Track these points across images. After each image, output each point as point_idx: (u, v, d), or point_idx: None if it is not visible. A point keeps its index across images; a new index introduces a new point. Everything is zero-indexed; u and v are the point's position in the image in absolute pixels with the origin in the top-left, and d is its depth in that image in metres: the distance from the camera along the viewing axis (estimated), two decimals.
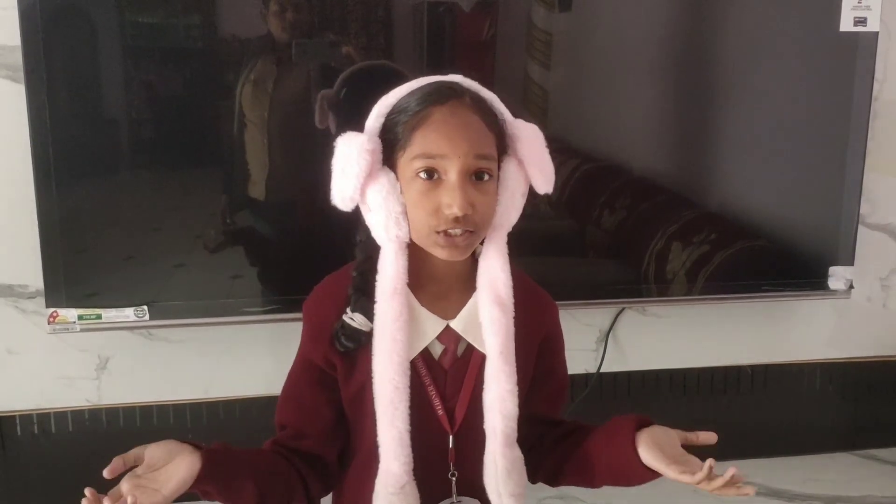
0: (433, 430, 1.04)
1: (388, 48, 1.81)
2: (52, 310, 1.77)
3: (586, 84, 1.94)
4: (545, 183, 1.02)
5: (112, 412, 2.01)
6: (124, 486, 0.92)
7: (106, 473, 0.93)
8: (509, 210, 1.01)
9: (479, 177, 0.97)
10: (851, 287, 2.08)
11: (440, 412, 1.05)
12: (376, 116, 1.00)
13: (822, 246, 2.06)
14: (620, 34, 1.91)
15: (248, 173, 1.82)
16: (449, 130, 0.95)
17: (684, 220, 2.01)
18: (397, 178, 0.97)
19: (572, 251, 2.04)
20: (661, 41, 1.95)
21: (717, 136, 2.00)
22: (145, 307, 1.80)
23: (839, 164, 2.02)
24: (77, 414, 1.99)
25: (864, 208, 2.12)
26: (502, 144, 1.01)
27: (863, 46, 1.96)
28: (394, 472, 1.00)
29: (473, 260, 1.05)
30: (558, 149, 1.91)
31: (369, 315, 1.01)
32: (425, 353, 1.04)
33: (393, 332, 0.99)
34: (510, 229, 1.04)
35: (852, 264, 2.07)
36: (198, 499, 1.01)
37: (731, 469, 0.92)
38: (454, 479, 1.06)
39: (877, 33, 1.96)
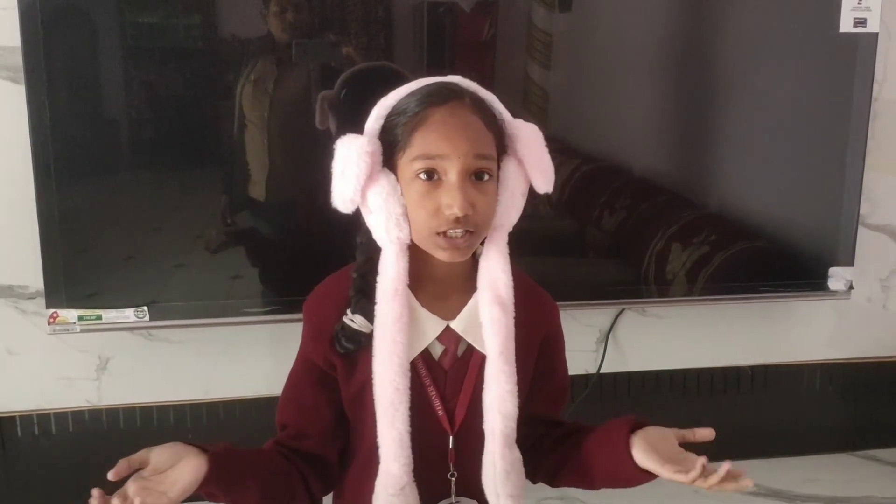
0: (433, 431, 1.04)
1: (388, 48, 1.81)
2: (52, 310, 1.77)
3: (586, 84, 1.94)
4: (545, 182, 1.02)
5: (112, 413, 2.01)
6: (131, 487, 0.92)
7: (111, 476, 0.93)
8: (509, 210, 1.01)
9: (479, 177, 0.97)
10: (851, 288, 2.08)
11: (440, 413, 1.05)
12: (376, 118, 1.01)
13: (822, 246, 2.06)
14: (620, 34, 1.92)
15: (248, 173, 1.82)
16: (448, 131, 0.95)
17: (684, 220, 2.01)
18: (397, 180, 0.98)
19: (572, 251, 2.04)
20: (661, 41, 1.95)
21: (717, 136, 2.00)
22: (145, 308, 1.80)
23: (839, 164, 2.02)
24: (77, 414, 1.99)
25: (864, 209, 2.12)
26: (502, 145, 1.01)
27: (863, 47, 1.96)
28: (394, 473, 1.00)
29: (474, 260, 1.05)
30: (558, 149, 1.91)
31: (369, 317, 1.01)
32: (425, 354, 1.04)
33: (393, 333, 0.99)
34: (511, 229, 1.04)
35: (852, 265, 2.07)
36: (201, 499, 1.00)
37: (725, 464, 0.92)
38: (453, 479, 1.07)
39: (877, 34, 1.96)
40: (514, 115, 1.05)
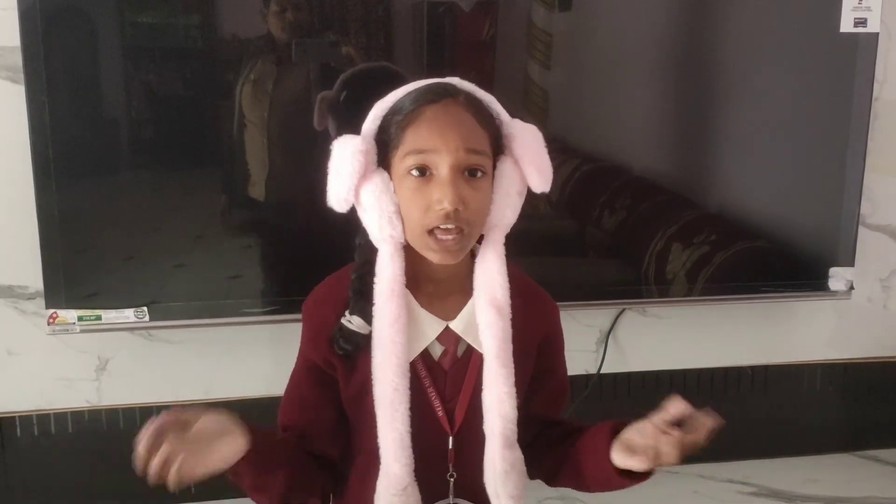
0: (433, 431, 1.04)
1: (388, 48, 1.81)
2: (51, 311, 1.77)
3: (586, 84, 1.94)
4: (542, 182, 1.02)
5: (112, 413, 2.00)
6: (169, 445, 0.89)
7: (162, 418, 0.90)
8: (504, 209, 1.01)
9: (472, 174, 0.97)
10: (852, 288, 2.08)
11: (440, 413, 1.05)
12: (372, 119, 1.01)
13: (822, 247, 2.06)
14: (620, 34, 1.91)
15: (248, 173, 1.82)
16: (440, 126, 0.96)
17: (684, 220, 2.01)
18: (391, 179, 0.98)
19: (572, 251, 2.04)
20: (661, 41, 1.95)
21: (718, 136, 2.00)
22: (145, 308, 1.80)
23: (839, 164, 2.02)
24: (77, 415, 1.99)
25: (865, 209, 2.12)
26: (498, 145, 1.01)
27: (863, 47, 1.96)
28: (395, 474, 1.00)
29: (473, 260, 1.05)
30: (558, 149, 1.91)
31: (368, 318, 1.01)
32: (425, 354, 1.04)
33: (392, 334, 0.99)
34: (508, 230, 1.03)
35: (853, 265, 2.07)
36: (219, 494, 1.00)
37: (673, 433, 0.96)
38: (452, 480, 1.06)
39: (877, 34, 1.96)
40: (514, 115, 1.05)
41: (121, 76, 1.75)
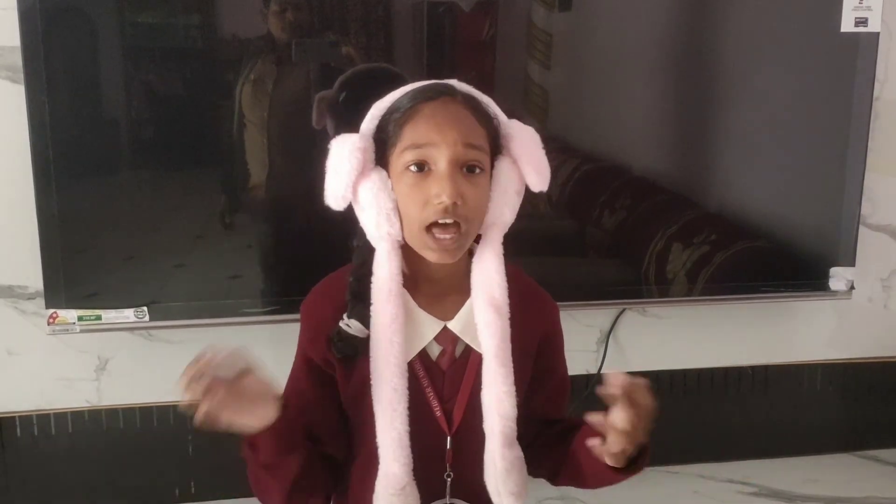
0: (431, 432, 1.04)
1: (388, 48, 1.81)
2: (51, 311, 1.77)
3: (586, 84, 1.94)
4: (540, 180, 1.02)
5: (112, 413, 2.00)
6: (211, 390, 0.89)
7: (211, 354, 0.91)
8: (503, 207, 1.01)
9: (471, 170, 0.97)
10: (852, 288, 2.08)
11: (438, 413, 1.05)
12: (370, 119, 1.02)
13: (822, 246, 2.06)
14: (621, 34, 1.91)
15: (248, 173, 1.82)
16: (438, 121, 0.96)
17: (685, 220, 2.01)
18: (389, 177, 0.98)
19: (572, 251, 2.04)
20: (661, 41, 1.95)
21: (718, 136, 2.00)
22: (145, 308, 1.79)
23: (840, 164, 2.02)
24: (77, 415, 1.99)
25: (865, 209, 2.12)
26: (496, 145, 1.02)
27: (864, 47, 1.96)
28: (394, 474, 1.01)
29: (470, 260, 1.05)
30: (558, 149, 1.91)
31: (366, 322, 1.01)
32: (423, 355, 1.04)
33: (389, 334, 0.99)
34: (506, 230, 1.04)
35: (853, 265, 2.06)
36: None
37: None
38: (449, 480, 1.07)
39: (878, 34, 1.96)
40: (514, 115, 1.05)
41: (121, 76, 1.75)
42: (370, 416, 1.01)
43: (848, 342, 2.31)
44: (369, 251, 1.02)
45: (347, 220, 1.04)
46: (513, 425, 1.03)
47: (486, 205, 1.00)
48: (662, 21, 1.93)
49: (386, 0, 1.79)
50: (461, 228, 0.96)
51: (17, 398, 1.95)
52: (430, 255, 0.98)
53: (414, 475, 1.02)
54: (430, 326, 1.03)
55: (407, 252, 1.02)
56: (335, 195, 0.99)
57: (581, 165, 1.94)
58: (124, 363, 1.96)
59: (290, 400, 1.02)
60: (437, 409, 1.05)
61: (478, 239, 1.04)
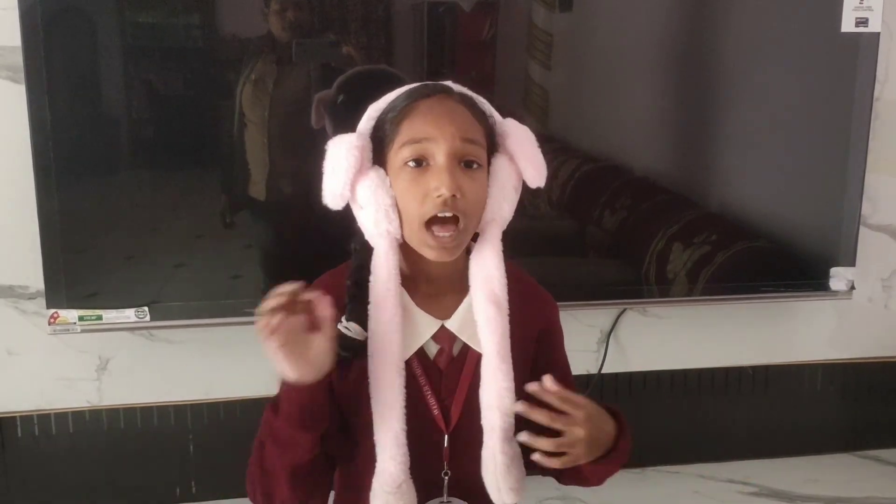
0: (428, 430, 1.05)
1: (389, 48, 1.81)
2: (52, 311, 1.77)
3: (587, 84, 1.93)
4: (537, 176, 1.03)
5: (112, 413, 2.00)
6: (285, 327, 0.88)
7: (293, 288, 0.90)
8: (501, 203, 1.02)
9: (468, 165, 0.98)
10: (853, 288, 2.08)
11: (435, 412, 1.05)
12: (367, 119, 1.03)
13: (823, 247, 2.06)
14: (621, 34, 1.91)
15: (248, 173, 1.82)
16: (435, 116, 0.97)
17: (685, 220, 2.00)
18: (387, 174, 0.99)
19: (573, 251, 2.04)
20: (661, 41, 1.95)
21: (718, 136, 2.00)
22: (146, 308, 1.79)
23: (840, 164, 2.02)
24: (77, 415, 1.99)
25: (866, 209, 2.12)
26: (492, 143, 1.03)
27: (864, 47, 1.96)
28: (391, 472, 1.01)
29: (468, 259, 1.05)
30: (559, 149, 1.91)
31: (364, 323, 1.01)
32: (420, 353, 1.04)
33: (387, 332, 1.00)
34: (505, 226, 1.04)
35: (854, 265, 2.06)
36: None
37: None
38: (447, 478, 1.07)
39: (878, 34, 1.96)
40: (515, 115, 1.06)
41: (121, 76, 1.75)
42: (367, 414, 1.02)
43: (848, 342, 2.31)
44: (367, 253, 1.03)
45: (347, 220, 1.04)
46: (512, 421, 1.03)
47: (485, 200, 1.01)
48: (663, 21, 1.93)
49: (386, 0, 1.79)
50: (460, 224, 0.97)
51: (17, 398, 1.95)
52: (429, 253, 0.98)
53: (411, 473, 1.02)
54: (427, 325, 1.04)
55: (405, 251, 1.02)
56: (333, 194, 1.00)
57: (581, 165, 1.94)
58: (125, 363, 1.96)
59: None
60: (435, 407, 1.05)
61: (475, 237, 1.04)
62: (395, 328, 1.00)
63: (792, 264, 2.06)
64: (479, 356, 1.04)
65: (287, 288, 0.89)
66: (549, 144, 1.90)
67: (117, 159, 1.80)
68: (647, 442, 2.20)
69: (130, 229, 1.79)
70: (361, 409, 1.02)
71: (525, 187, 1.05)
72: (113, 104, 1.77)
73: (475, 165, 0.98)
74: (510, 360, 1.03)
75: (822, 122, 2.00)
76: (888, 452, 2.37)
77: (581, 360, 2.16)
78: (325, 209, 1.02)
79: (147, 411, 2.02)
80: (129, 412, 2.01)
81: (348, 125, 1.04)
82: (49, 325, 1.77)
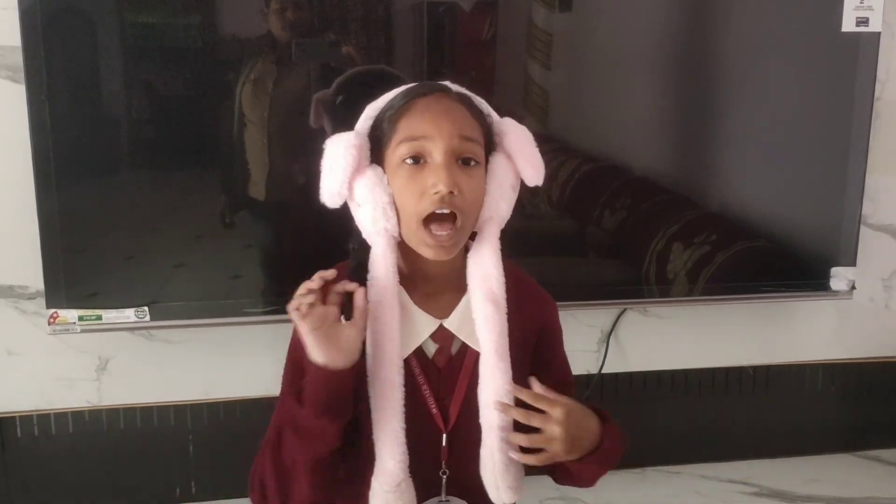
0: (427, 429, 1.05)
1: (388, 48, 1.81)
2: (52, 311, 1.77)
3: (587, 84, 1.93)
4: (535, 175, 1.04)
5: (112, 413, 2.00)
6: (317, 313, 0.92)
7: (321, 278, 0.93)
8: (499, 201, 1.02)
9: (466, 162, 0.98)
10: (853, 288, 2.08)
11: (434, 411, 1.05)
12: (365, 118, 1.03)
13: (823, 246, 2.06)
14: (621, 34, 1.91)
15: (248, 173, 1.82)
16: (432, 114, 0.97)
17: (685, 220, 2.00)
18: (384, 172, 0.99)
19: (573, 251, 2.03)
20: (661, 41, 1.94)
21: (719, 136, 1.99)
22: (146, 308, 1.79)
23: (841, 164, 2.01)
24: (77, 415, 1.99)
25: (866, 209, 2.11)
26: (490, 142, 1.03)
27: (865, 46, 1.96)
28: (390, 470, 1.01)
29: (466, 257, 1.05)
30: (558, 149, 1.91)
31: None
32: (419, 352, 1.04)
33: (386, 331, 1.00)
34: (503, 225, 1.04)
35: (854, 265, 2.06)
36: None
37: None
38: (445, 477, 1.07)
39: (879, 33, 1.96)
40: (514, 115, 1.06)
41: (121, 76, 1.75)
42: (366, 413, 1.02)
43: (849, 342, 2.31)
44: (365, 252, 1.03)
45: (347, 220, 1.04)
46: (510, 420, 1.03)
47: (482, 198, 1.01)
48: (663, 21, 1.93)
49: (386, 0, 1.79)
50: (457, 222, 0.97)
51: (17, 398, 1.95)
52: (427, 252, 0.98)
53: (410, 472, 1.02)
54: (426, 324, 1.04)
55: (403, 250, 1.02)
56: (331, 192, 1.00)
57: (581, 165, 1.94)
58: (125, 363, 1.96)
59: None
60: (433, 406, 1.05)
61: (473, 236, 1.04)
62: (393, 327, 1.00)
63: (792, 264, 2.06)
64: (477, 355, 1.04)
65: (322, 274, 0.93)
66: (549, 144, 1.90)
67: (117, 159, 1.80)
68: (647, 442, 2.21)
69: (130, 229, 1.79)
70: (360, 407, 1.02)
71: (524, 187, 1.05)
72: (113, 104, 1.77)
73: (473, 163, 0.98)
74: (508, 359, 1.03)
75: (823, 121, 2.00)
76: (889, 452, 2.37)
77: (581, 360, 2.16)
78: (325, 209, 1.02)
79: (147, 411, 2.02)
80: (129, 412, 2.01)
81: (347, 125, 1.04)
82: (49, 325, 1.77)
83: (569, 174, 1.94)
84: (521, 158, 1.02)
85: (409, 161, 0.97)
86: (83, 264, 1.77)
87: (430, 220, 0.97)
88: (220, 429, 2.04)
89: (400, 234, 1.00)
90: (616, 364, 2.19)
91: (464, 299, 1.05)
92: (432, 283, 1.05)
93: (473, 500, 1.08)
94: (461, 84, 1.05)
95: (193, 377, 2.00)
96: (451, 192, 0.95)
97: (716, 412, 2.28)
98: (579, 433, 0.99)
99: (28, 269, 1.80)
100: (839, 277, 2.07)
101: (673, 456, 2.24)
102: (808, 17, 1.95)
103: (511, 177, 1.03)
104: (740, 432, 2.31)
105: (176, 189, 1.83)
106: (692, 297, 2.04)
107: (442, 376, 1.05)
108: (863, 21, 1.95)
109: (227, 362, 2.00)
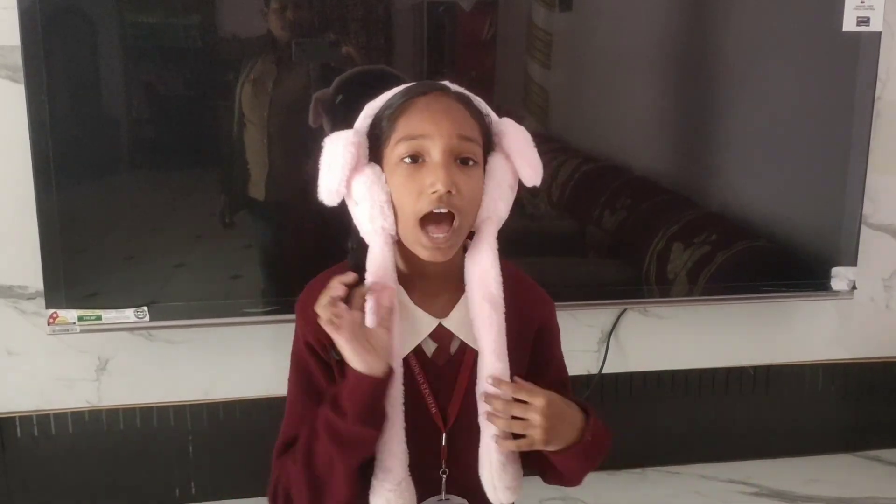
0: (426, 428, 1.05)
1: (388, 48, 1.81)
2: (51, 311, 1.77)
3: (587, 84, 1.93)
4: (533, 175, 1.04)
5: (112, 414, 2.00)
6: (346, 316, 0.92)
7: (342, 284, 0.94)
8: (497, 201, 1.02)
9: (464, 162, 0.98)
10: (854, 288, 2.08)
11: (433, 410, 1.05)
12: (364, 117, 1.03)
13: (824, 246, 2.06)
14: (621, 34, 1.91)
15: (248, 173, 1.82)
16: (431, 113, 0.97)
17: (685, 220, 2.00)
18: (383, 171, 0.99)
19: (573, 251, 2.03)
20: (662, 41, 1.94)
21: (719, 136, 1.99)
22: (145, 308, 1.79)
23: (841, 164, 2.01)
24: (77, 415, 1.99)
25: (867, 208, 2.11)
26: (489, 142, 1.03)
27: (865, 46, 1.96)
28: (390, 469, 1.01)
29: (465, 256, 1.05)
30: (558, 149, 1.91)
31: None
32: (418, 351, 1.04)
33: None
34: (500, 225, 1.04)
35: (855, 265, 2.06)
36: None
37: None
38: (444, 476, 1.07)
39: (879, 33, 1.96)
40: (514, 115, 1.06)
41: (121, 76, 1.75)
42: None
43: (850, 342, 2.30)
44: (364, 251, 1.02)
45: (347, 220, 1.04)
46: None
47: (480, 198, 1.01)
48: (663, 21, 1.93)
49: (386, 0, 1.78)
50: (455, 223, 0.97)
51: (17, 398, 1.95)
52: (422, 253, 0.99)
53: (410, 471, 1.02)
54: (425, 323, 1.04)
55: (401, 250, 1.02)
56: (329, 190, 1.00)
57: (581, 165, 1.94)
58: (124, 363, 1.96)
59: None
60: (433, 405, 1.05)
61: (471, 235, 1.04)
62: (392, 325, 1.00)
63: (793, 264, 2.06)
64: (476, 354, 1.04)
65: (343, 279, 0.93)
66: (549, 144, 1.90)
67: (117, 159, 1.80)
68: (647, 442, 2.21)
69: (130, 229, 1.79)
70: None
71: (524, 187, 1.04)
72: (112, 104, 1.77)
73: (471, 163, 0.98)
74: (507, 359, 1.03)
75: (824, 121, 2.00)
76: (889, 453, 2.37)
77: (582, 361, 2.15)
78: (325, 208, 1.02)
79: (146, 412, 2.02)
80: (129, 412, 2.01)
81: (346, 124, 1.04)
82: (48, 325, 1.77)
83: (569, 174, 1.94)
84: (520, 159, 1.02)
85: (407, 160, 0.97)
86: (83, 264, 1.77)
87: (427, 220, 0.97)
88: (220, 429, 2.04)
89: (397, 232, 1.00)
90: (616, 364, 2.19)
91: (462, 298, 1.05)
92: (431, 282, 1.05)
93: (474, 500, 1.08)
94: (461, 84, 1.05)
95: (193, 377, 2.00)
96: (450, 192, 0.95)
97: (716, 412, 2.28)
98: (560, 424, 1.00)
99: (28, 269, 1.80)
100: (840, 277, 2.07)
101: (673, 456, 2.24)
102: (809, 17, 1.95)
103: (509, 177, 1.03)
104: (740, 432, 2.31)
105: (176, 189, 1.83)
106: (692, 297, 2.04)
107: (441, 375, 1.05)
108: (863, 20, 1.95)
109: (227, 362, 2.00)
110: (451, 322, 1.04)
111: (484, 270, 1.03)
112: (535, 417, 0.98)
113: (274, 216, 1.87)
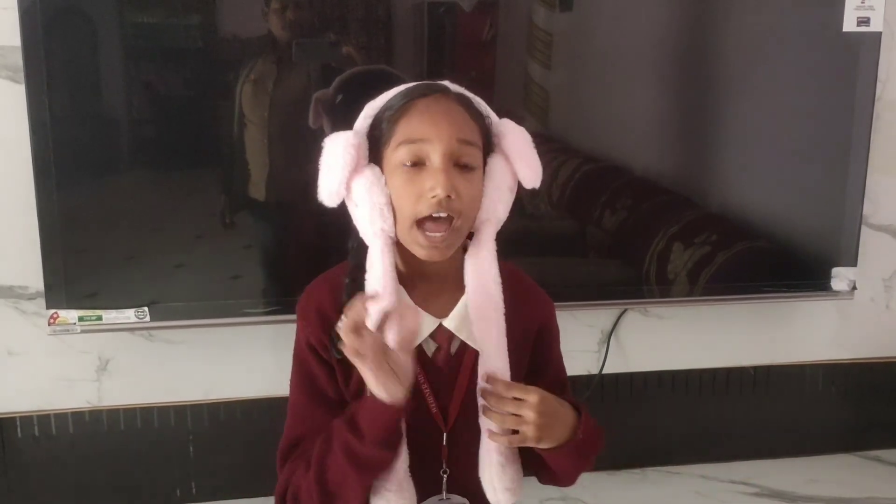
0: (427, 428, 1.05)
1: (389, 48, 1.81)
2: (52, 311, 1.77)
3: (587, 84, 1.93)
4: (532, 177, 1.04)
5: (113, 414, 2.00)
6: (370, 342, 0.91)
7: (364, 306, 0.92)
8: (496, 203, 1.02)
9: (464, 165, 0.98)
10: (854, 288, 2.08)
11: (434, 410, 1.05)
12: (364, 118, 1.03)
13: (824, 247, 2.06)
14: (622, 34, 1.91)
15: (248, 173, 1.82)
16: (431, 116, 0.97)
17: (686, 220, 2.00)
18: (382, 172, 0.99)
19: (574, 251, 2.03)
20: (662, 41, 1.94)
21: (719, 136, 1.99)
22: (146, 308, 1.79)
23: (842, 164, 2.01)
24: (77, 415, 1.99)
25: (867, 209, 2.11)
26: (489, 143, 1.03)
27: (866, 46, 1.96)
28: (390, 469, 1.01)
29: (464, 256, 1.05)
30: (559, 149, 1.91)
31: None
32: (419, 351, 1.04)
33: (385, 330, 0.99)
34: (499, 226, 1.04)
35: (855, 265, 2.06)
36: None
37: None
38: (445, 476, 1.07)
39: (880, 33, 1.96)
40: (514, 115, 1.06)
41: (121, 76, 1.75)
42: None
43: (850, 342, 2.30)
44: (364, 252, 1.03)
45: (347, 220, 1.04)
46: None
47: (479, 200, 1.01)
48: (663, 21, 1.93)
49: (386, 0, 1.78)
50: (453, 224, 0.97)
51: (17, 398, 1.95)
52: (419, 252, 0.99)
53: (410, 471, 1.02)
54: (425, 324, 1.04)
55: (401, 250, 1.02)
56: (329, 191, 1.00)
57: (582, 165, 1.94)
58: (125, 363, 1.96)
59: (305, 428, 1.03)
60: (433, 405, 1.05)
61: (470, 236, 1.04)
62: (392, 325, 1.00)
63: (793, 264, 2.06)
64: (476, 354, 1.04)
65: (359, 303, 0.90)
66: (549, 144, 1.90)
67: (117, 159, 1.80)
68: (647, 442, 2.21)
69: (130, 229, 1.79)
70: None
71: (523, 187, 1.04)
72: (113, 104, 1.77)
73: (471, 166, 0.98)
74: (507, 359, 1.03)
75: (824, 121, 2.00)
76: (889, 453, 2.37)
77: (582, 361, 2.15)
78: (325, 209, 1.02)
79: (147, 412, 2.02)
80: (129, 413, 2.01)
81: (346, 125, 1.04)
82: (49, 325, 1.77)
83: (569, 174, 1.94)
84: (519, 160, 1.02)
85: (407, 163, 0.97)
86: (83, 264, 1.77)
87: (425, 220, 0.97)
88: (221, 429, 2.04)
89: (396, 233, 1.00)
90: (616, 364, 2.19)
91: (462, 299, 1.05)
92: (431, 282, 1.05)
93: (474, 500, 1.08)
94: (461, 84, 1.05)
95: (193, 377, 2.00)
96: (449, 196, 0.95)
97: (716, 412, 2.28)
98: (553, 421, 1.01)
99: (28, 269, 1.80)
100: (840, 278, 2.07)
101: (673, 456, 2.24)
102: (809, 17, 1.95)
103: (509, 179, 1.03)
104: (740, 432, 2.31)
105: (176, 189, 1.83)
106: (693, 297, 2.04)
107: (441, 375, 1.06)
108: (864, 21, 1.95)
109: (227, 362, 2.00)
110: (452, 322, 1.05)
111: (483, 271, 1.03)
112: (528, 414, 0.98)
113: (274, 216, 1.87)
